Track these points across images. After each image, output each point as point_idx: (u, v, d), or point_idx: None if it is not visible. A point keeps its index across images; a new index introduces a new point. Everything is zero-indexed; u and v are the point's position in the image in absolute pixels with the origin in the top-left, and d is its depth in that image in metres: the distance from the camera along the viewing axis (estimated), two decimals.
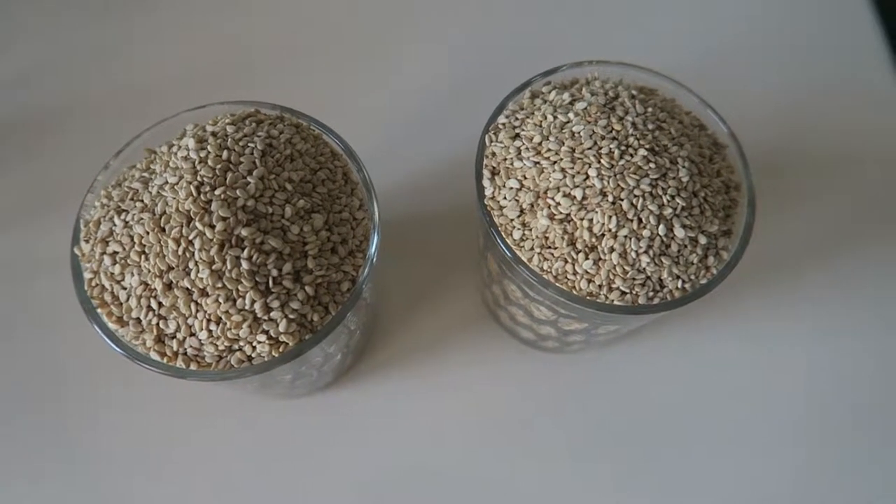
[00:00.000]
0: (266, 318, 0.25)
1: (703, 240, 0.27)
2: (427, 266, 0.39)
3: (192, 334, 0.25)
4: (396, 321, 0.38)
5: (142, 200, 0.26)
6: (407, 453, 0.35)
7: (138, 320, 0.25)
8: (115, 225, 0.26)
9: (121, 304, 0.25)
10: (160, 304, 0.25)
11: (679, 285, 0.27)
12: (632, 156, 0.26)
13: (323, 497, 0.34)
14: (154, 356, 0.25)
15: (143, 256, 0.25)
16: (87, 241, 0.26)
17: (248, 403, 0.36)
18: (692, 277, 0.27)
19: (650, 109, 0.28)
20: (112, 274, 0.25)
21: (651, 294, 0.27)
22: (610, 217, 0.26)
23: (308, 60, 0.45)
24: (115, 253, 0.26)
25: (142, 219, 0.25)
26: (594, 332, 0.32)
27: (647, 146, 0.27)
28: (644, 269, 0.26)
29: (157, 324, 0.25)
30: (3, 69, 0.44)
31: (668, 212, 0.26)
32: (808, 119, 0.44)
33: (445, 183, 0.39)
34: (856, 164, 0.42)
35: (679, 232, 0.26)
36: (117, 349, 0.26)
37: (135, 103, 0.42)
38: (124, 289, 0.25)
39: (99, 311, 0.26)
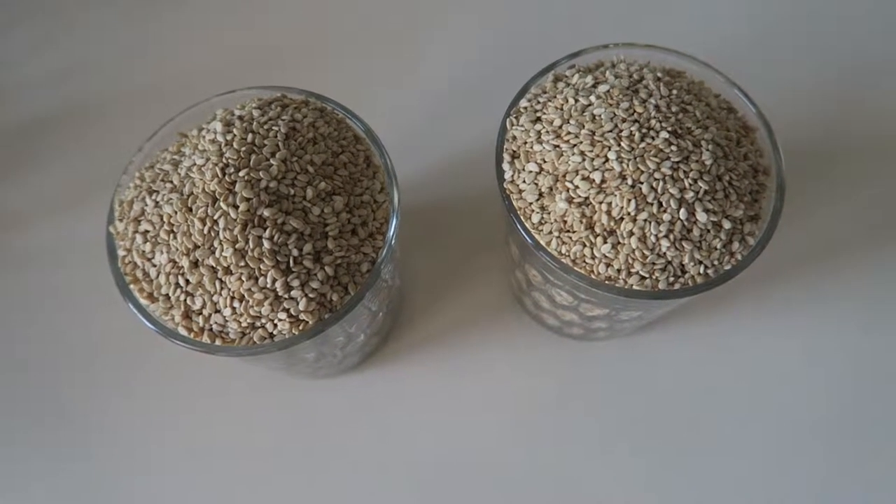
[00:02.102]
0: (287, 296, 0.25)
1: (727, 224, 0.26)
2: (455, 252, 0.40)
3: (217, 311, 0.26)
4: (424, 305, 0.39)
5: (171, 181, 0.27)
6: (430, 436, 0.36)
7: (167, 296, 0.26)
8: (146, 205, 0.27)
9: (151, 280, 0.27)
10: (187, 282, 0.26)
11: (701, 271, 0.26)
12: (653, 139, 0.26)
13: (345, 478, 0.35)
14: (182, 331, 0.26)
15: (171, 235, 0.26)
16: (121, 220, 0.28)
17: (273, 383, 0.37)
18: (715, 263, 0.26)
19: (675, 92, 0.28)
20: (143, 252, 0.27)
21: (672, 279, 0.26)
22: (629, 200, 0.25)
23: (337, 49, 0.46)
24: (147, 231, 0.27)
25: (171, 199, 0.26)
26: (617, 319, 0.31)
27: (670, 129, 0.26)
28: (664, 253, 0.26)
29: (185, 300, 0.26)
30: (49, 65, 0.46)
31: (689, 195, 0.26)
32: (847, 101, 0.42)
33: (474, 169, 0.40)
34: None
35: (701, 216, 0.26)
36: (149, 324, 0.27)
37: (173, 91, 0.43)
38: (154, 266, 0.26)
39: (131, 287, 0.27)
